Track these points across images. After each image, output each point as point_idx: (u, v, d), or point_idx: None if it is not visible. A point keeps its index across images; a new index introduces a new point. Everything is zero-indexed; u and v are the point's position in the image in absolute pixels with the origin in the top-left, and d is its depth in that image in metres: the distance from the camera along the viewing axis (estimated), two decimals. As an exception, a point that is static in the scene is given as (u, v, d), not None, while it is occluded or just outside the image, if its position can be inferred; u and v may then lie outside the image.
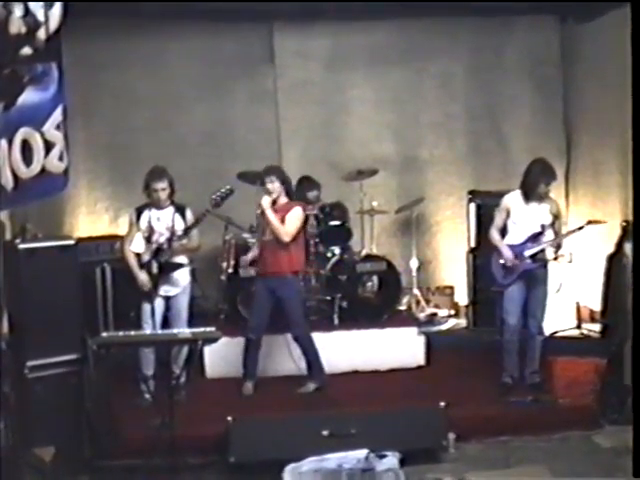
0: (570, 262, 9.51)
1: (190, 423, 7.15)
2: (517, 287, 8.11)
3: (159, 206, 8.03)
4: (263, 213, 8.15)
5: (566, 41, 10.91)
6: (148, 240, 8.01)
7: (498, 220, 8.24)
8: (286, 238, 8.14)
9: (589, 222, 8.30)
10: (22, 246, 7.11)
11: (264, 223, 8.23)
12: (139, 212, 8.10)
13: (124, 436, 7.21)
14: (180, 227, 7.95)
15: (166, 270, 8.01)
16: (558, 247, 8.14)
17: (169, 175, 8.05)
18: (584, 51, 10.49)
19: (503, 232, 8.22)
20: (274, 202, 8.18)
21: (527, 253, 8.02)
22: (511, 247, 8.09)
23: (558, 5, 10.62)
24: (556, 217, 8.16)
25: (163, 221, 8.03)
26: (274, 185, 8.17)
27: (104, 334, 6.92)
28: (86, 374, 7.18)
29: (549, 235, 8.10)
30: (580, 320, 9.95)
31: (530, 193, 8.01)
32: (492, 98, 11.09)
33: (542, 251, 8.08)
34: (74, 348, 7.19)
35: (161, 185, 7.95)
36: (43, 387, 7.06)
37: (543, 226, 8.05)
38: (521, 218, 8.07)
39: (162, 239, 7.99)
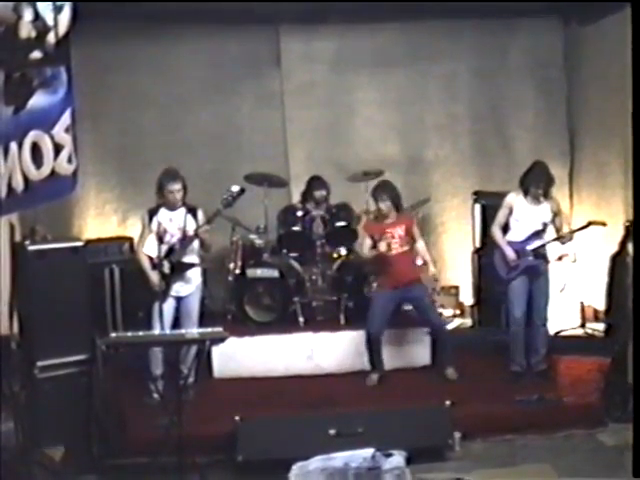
0: (574, 262, 9.61)
1: (198, 422, 7.21)
2: (521, 281, 8.33)
3: (171, 207, 8.09)
4: (409, 230, 8.54)
5: (569, 43, 10.94)
6: (160, 241, 8.08)
7: (501, 218, 8.47)
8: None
9: (590, 223, 8.48)
10: (31, 247, 7.16)
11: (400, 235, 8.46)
12: (151, 214, 8.14)
13: (133, 435, 7.27)
14: (192, 227, 8.01)
15: (178, 270, 8.07)
16: (563, 243, 8.43)
17: (182, 177, 8.12)
18: (587, 53, 10.52)
19: (505, 229, 8.44)
20: (385, 218, 8.47)
21: (529, 247, 8.24)
22: (514, 244, 8.31)
23: (561, 7, 10.68)
24: (556, 214, 8.36)
25: (175, 222, 8.08)
26: (386, 204, 8.43)
27: (113, 334, 6.99)
28: (95, 374, 7.23)
29: (550, 232, 8.35)
30: (584, 319, 10.00)
31: (526, 192, 8.27)
32: (496, 100, 11.13)
33: (542, 246, 8.32)
34: (83, 348, 7.23)
35: (176, 187, 8.01)
36: (53, 387, 7.10)
37: (544, 224, 8.30)
38: (523, 216, 8.30)
39: (174, 240, 8.06)
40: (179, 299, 8.18)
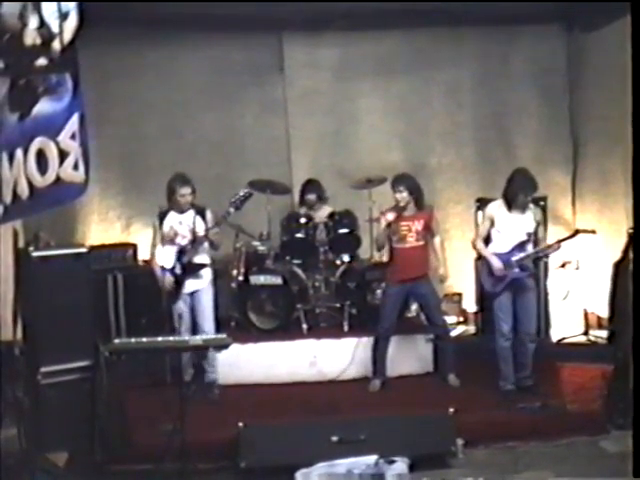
0: (577, 269, 9.57)
1: (201, 429, 7.20)
2: (506, 295, 8.20)
3: (181, 210, 8.20)
4: (429, 224, 8.54)
5: (572, 50, 10.96)
6: (172, 243, 8.22)
7: (482, 230, 8.40)
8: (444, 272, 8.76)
9: (577, 231, 8.47)
10: (35, 254, 7.20)
11: (415, 229, 8.48)
12: (161, 217, 8.30)
13: (136, 441, 7.27)
14: (201, 229, 8.15)
15: (189, 271, 8.21)
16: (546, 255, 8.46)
17: (191, 180, 8.24)
18: (590, 60, 10.54)
19: (487, 241, 8.31)
20: (402, 210, 8.39)
21: (514, 259, 8.09)
22: (498, 256, 8.16)
23: (564, 13, 10.71)
24: (539, 224, 8.28)
25: (185, 224, 8.23)
26: (402, 195, 8.37)
27: (116, 340, 6.99)
28: (98, 380, 7.24)
29: (535, 243, 8.22)
30: (587, 326, 10.01)
31: (512, 202, 8.11)
32: (499, 107, 11.15)
33: (528, 257, 8.17)
34: (86, 355, 7.25)
35: (188, 190, 8.17)
36: (56, 393, 7.13)
37: (529, 234, 8.15)
38: (505, 227, 8.15)
39: (185, 242, 8.20)
40: (192, 296, 8.30)
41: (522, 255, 8.13)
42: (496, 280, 8.19)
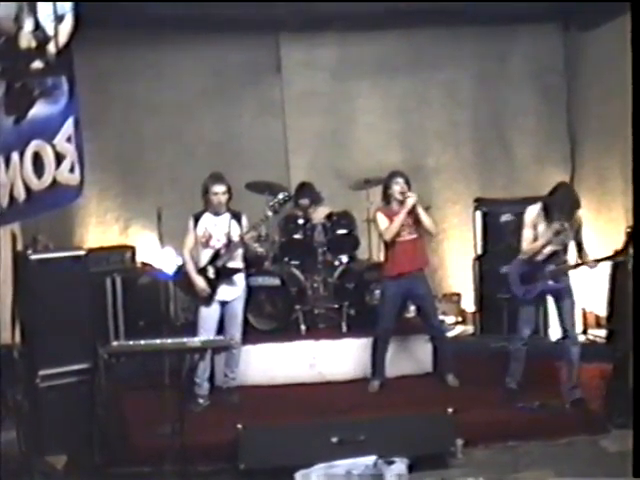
0: (575, 268, 9.50)
1: (200, 431, 7.20)
2: (537, 302, 8.09)
3: (216, 212, 8.18)
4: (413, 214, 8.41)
5: (570, 49, 10.99)
6: (206, 245, 8.18)
7: (527, 236, 7.87)
8: (434, 231, 8.66)
9: (617, 253, 8.30)
10: (34, 257, 7.18)
11: (407, 222, 8.41)
12: (196, 218, 8.24)
13: (135, 444, 7.26)
14: (236, 233, 8.13)
15: (223, 275, 8.18)
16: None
17: (227, 180, 8.19)
18: (588, 58, 10.56)
19: (517, 247, 8.00)
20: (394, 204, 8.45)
21: (548, 270, 7.82)
22: (530, 264, 7.88)
23: (561, 13, 10.71)
24: (577, 232, 7.89)
25: (220, 227, 8.18)
26: (402, 185, 8.40)
27: (114, 343, 6.99)
28: (97, 382, 7.24)
29: (570, 254, 7.96)
30: (586, 326, 10.00)
31: (551, 212, 7.73)
32: (497, 106, 11.17)
33: (563, 272, 7.91)
34: (85, 357, 7.24)
35: (221, 189, 8.10)
36: (55, 396, 7.11)
37: (565, 244, 7.85)
38: (542, 235, 7.80)
39: (219, 245, 8.16)
40: (224, 304, 8.27)
41: (554, 268, 7.84)
42: (528, 289, 7.92)
